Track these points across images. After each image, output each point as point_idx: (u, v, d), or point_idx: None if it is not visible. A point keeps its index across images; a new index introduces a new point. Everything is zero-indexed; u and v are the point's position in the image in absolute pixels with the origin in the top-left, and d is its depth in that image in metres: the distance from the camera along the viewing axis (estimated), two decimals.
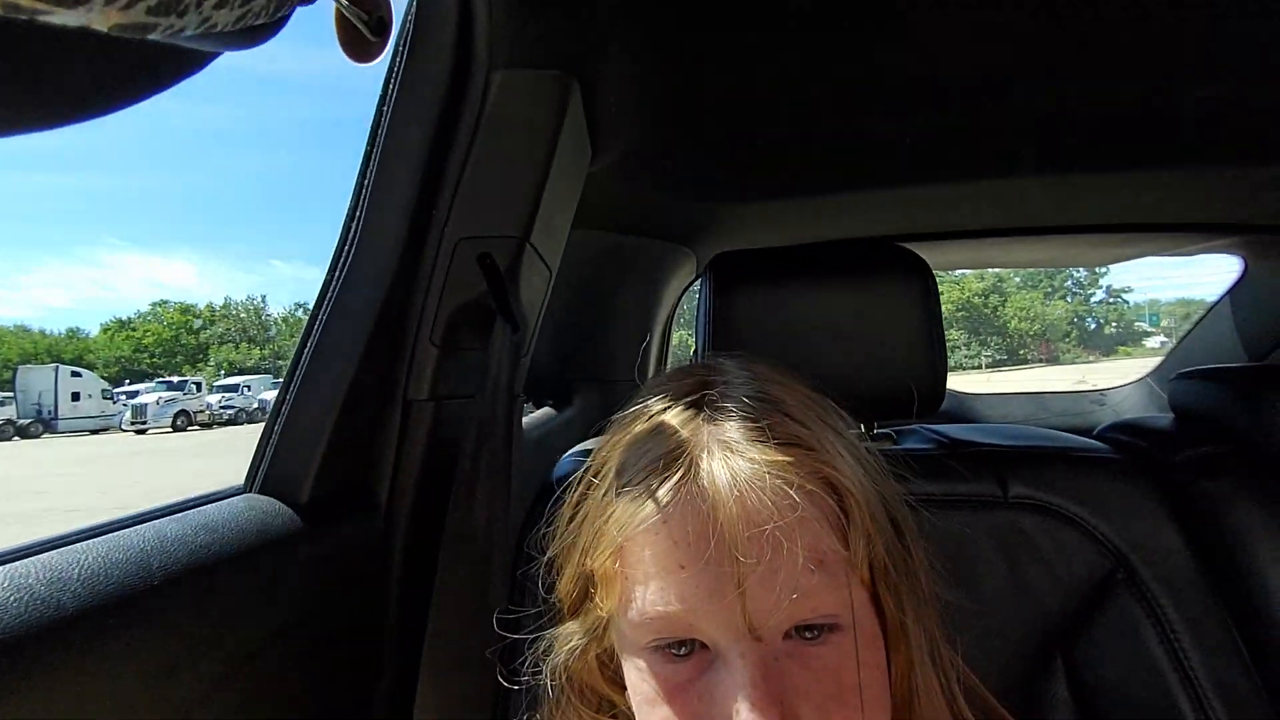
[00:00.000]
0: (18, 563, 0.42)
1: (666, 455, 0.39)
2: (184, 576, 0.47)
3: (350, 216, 0.66)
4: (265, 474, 0.62)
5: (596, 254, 1.31)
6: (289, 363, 0.66)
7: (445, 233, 0.66)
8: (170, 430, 22.27)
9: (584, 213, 0.90)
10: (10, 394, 26.53)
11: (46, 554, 0.44)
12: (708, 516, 0.36)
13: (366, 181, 0.66)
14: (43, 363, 32.02)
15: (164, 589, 0.46)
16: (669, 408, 0.43)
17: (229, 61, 0.30)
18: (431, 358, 0.67)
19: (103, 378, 31.81)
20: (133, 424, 22.76)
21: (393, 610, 0.66)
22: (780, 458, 0.37)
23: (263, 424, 0.66)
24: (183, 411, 23.03)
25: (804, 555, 0.35)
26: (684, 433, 0.40)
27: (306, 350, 0.64)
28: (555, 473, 0.73)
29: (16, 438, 23.98)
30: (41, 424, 25.55)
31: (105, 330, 51.82)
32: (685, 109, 0.90)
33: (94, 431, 25.13)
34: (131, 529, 0.49)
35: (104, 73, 0.24)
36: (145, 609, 0.45)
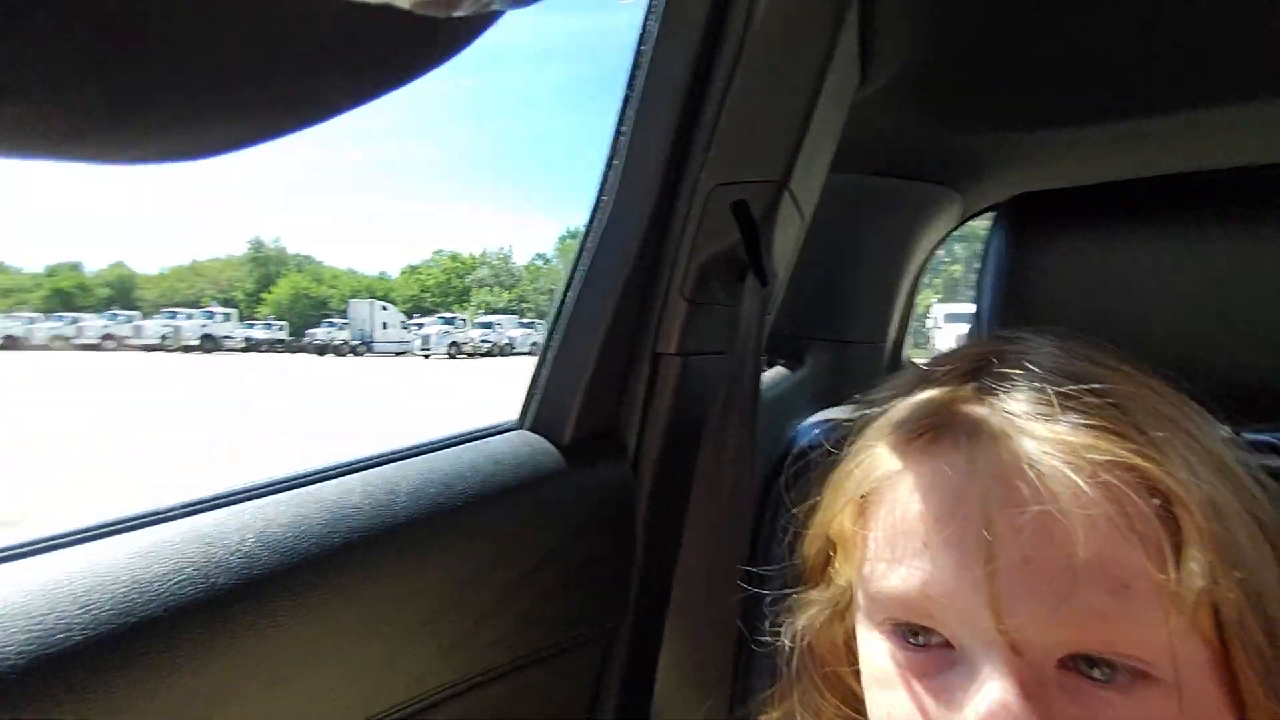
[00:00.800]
0: (366, 471, 0.50)
1: (924, 421, 0.34)
2: (478, 500, 0.53)
3: (608, 165, 0.66)
4: (535, 413, 0.67)
5: (843, 199, 1.18)
6: (553, 304, 0.69)
7: (700, 179, 0.62)
8: (447, 357, 27.30)
9: (837, 153, 0.79)
10: (346, 320, 35.04)
11: (380, 468, 0.51)
12: (960, 493, 0.31)
13: (624, 128, 0.65)
14: (363, 299, 41.42)
15: (466, 509, 0.52)
16: (941, 374, 0.37)
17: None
18: (680, 311, 0.65)
19: (401, 312, 39.98)
20: (422, 350, 28.43)
21: (639, 553, 0.68)
22: (1073, 440, 0.29)
23: (511, 357, 0.71)
24: (454, 342, 28.00)
25: (1094, 568, 0.27)
26: (951, 400, 0.35)
27: (568, 295, 0.66)
28: (798, 437, 0.68)
29: (350, 355, 31.66)
30: (365, 346, 33.30)
31: (402, 274, 64.85)
32: (973, 17, 0.73)
33: (396, 354, 31.94)
34: (438, 453, 0.56)
35: (393, 49, 0.23)
36: (452, 525, 0.51)
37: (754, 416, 0.60)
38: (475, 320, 35.46)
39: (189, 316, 31.07)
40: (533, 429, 0.66)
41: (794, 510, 0.44)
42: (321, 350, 31.70)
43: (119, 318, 31.63)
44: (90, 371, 17.00)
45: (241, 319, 38.01)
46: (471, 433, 0.62)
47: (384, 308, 35.48)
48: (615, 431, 0.68)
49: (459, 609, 0.52)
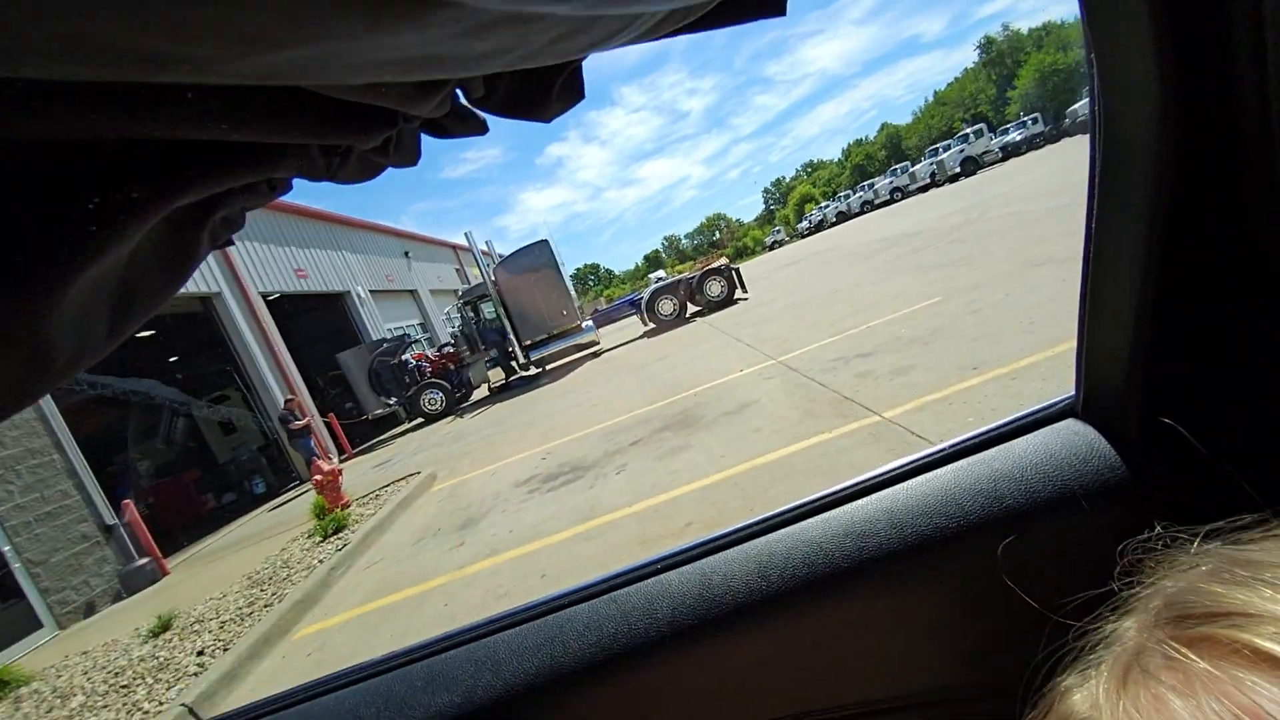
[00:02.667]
0: (895, 487, 0.54)
1: None
2: (1022, 511, 0.48)
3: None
4: (1085, 395, 0.51)
5: None
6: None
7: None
8: None
9: None
10: None
11: (941, 469, 0.53)
12: None
13: None
14: None
15: (1005, 520, 0.48)
16: None
17: None
18: None
19: None
20: None
21: None
22: None
23: None
24: None
25: None
26: None
27: (1093, 211, 0.45)
28: None
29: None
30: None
31: None
32: None
33: None
34: (990, 451, 0.54)
35: None
36: (993, 533, 0.48)
37: None
38: None
39: (946, 148, 33.04)
40: (1083, 416, 0.52)
41: None
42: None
43: (897, 171, 37.27)
44: (896, 219, 21.04)
45: (992, 129, 37.19)
46: (1022, 417, 0.55)
47: None
48: (1222, 412, 0.45)
49: (985, 619, 0.48)
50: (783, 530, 0.57)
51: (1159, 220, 0.42)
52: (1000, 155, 30.02)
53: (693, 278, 13.50)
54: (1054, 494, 0.48)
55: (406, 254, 21.16)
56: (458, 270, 27.40)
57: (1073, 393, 0.54)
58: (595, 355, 13.54)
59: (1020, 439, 0.53)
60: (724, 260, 14.11)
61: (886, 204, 35.14)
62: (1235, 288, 0.43)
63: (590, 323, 13.77)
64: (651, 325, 13.74)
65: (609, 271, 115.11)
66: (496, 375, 13.94)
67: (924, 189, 32.44)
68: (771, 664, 0.54)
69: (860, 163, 69.94)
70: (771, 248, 50.70)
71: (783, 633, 0.53)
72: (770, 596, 0.53)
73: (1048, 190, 11.31)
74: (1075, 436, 0.50)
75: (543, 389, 11.58)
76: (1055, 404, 0.55)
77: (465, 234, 13.70)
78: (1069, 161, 15.91)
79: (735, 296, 13.40)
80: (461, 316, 14.07)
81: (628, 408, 6.74)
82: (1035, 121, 31.02)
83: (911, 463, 0.56)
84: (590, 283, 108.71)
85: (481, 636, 0.63)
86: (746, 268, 21.19)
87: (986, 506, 0.49)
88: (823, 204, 48.56)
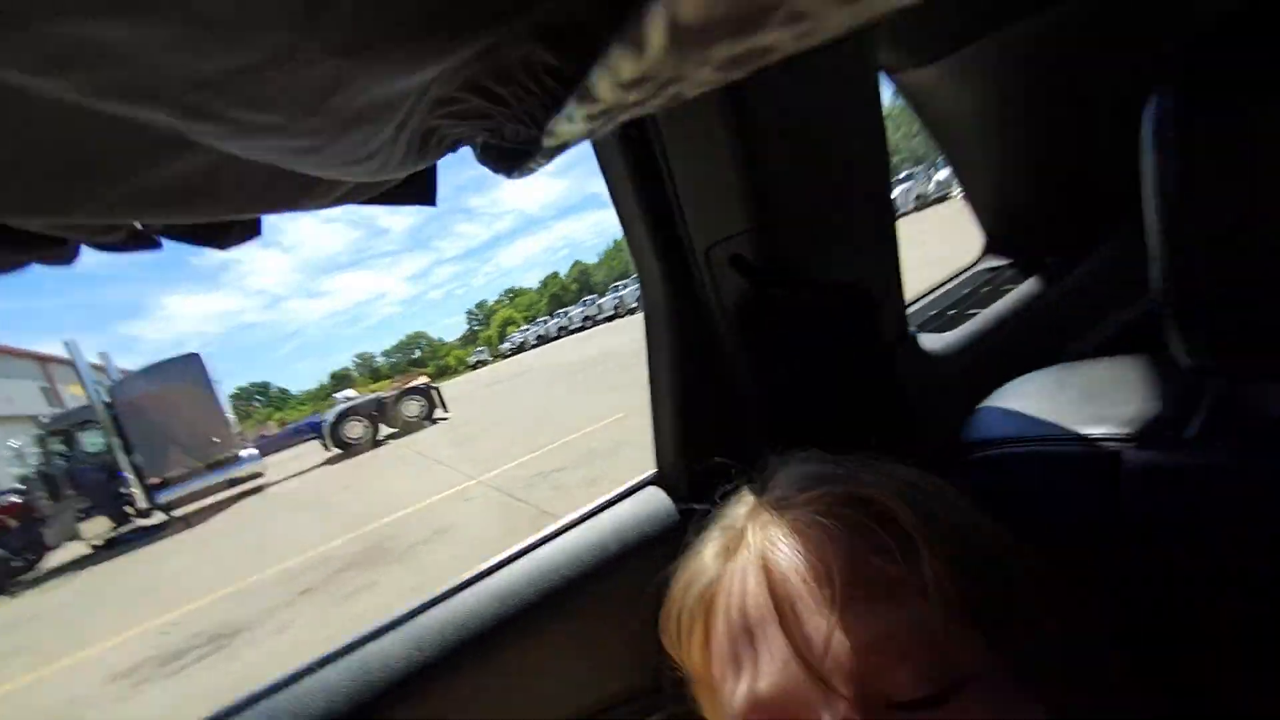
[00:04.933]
0: (544, 546, 0.64)
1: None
2: (609, 564, 0.61)
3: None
4: (658, 467, 0.68)
5: None
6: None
7: (693, 244, 0.62)
8: None
9: None
10: None
11: (547, 545, 0.64)
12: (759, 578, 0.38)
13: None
14: None
15: (598, 576, 0.61)
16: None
17: None
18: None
19: None
20: None
21: None
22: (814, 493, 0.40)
23: None
24: None
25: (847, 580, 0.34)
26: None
27: (648, 343, 0.67)
28: (976, 430, 0.60)
29: None
30: None
31: None
32: None
33: None
34: (587, 523, 0.66)
35: None
36: (592, 589, 0.61)
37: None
38: None
39: (627, 286, 38.61)
40: (654, 482, 0.68)
41: None
42: None
43: (587, 302, 41.70)
44: None
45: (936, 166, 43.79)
46: (616, 496, 0.68)
47: None
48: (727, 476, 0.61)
49: (605, 647, 0.61)
50: (439, 606, 0.60)
51: (669, 331, 0.63)
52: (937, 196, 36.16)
53: (387, 397, 12.58)
54: (639, 541, 0.62)
55: None
56: (45, 389, 20.22)
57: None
58: (257, 490, 11.18)
59: (620, 504, 0.67)
60: (424, 379, 13.58)
61: (580, 329, 39.09)
62: (714, 368, 0.64)
63: (254, 451, 11.47)
64: (337, 451, 12.11)
65: (282, 391, 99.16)
66: (98, 527, 10.26)
67: (610, 319, 37.22)
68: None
69: (556, 293, 77.22)
70: (475, 367, 50.87)
71: (445, 700, 0.56)
72: (428, 669, 0.56)
73: None
74: (651, 500, 0.66)
75: (178, 537, 8.95)
76: (644, 478, 0.71)
77: (65, 342, 10.34)
78: None
79: (436, 416, 12.86)
80: (43, 452, 10.22)
81: (299, 549, 5.64)
82: None
83: (550, 533, 0.66)
84: (258, 403, 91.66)
85: None
86: (449, 386, 20.73)
87: (600, 558, 0.61)
88: (524, 327, 51.41)
